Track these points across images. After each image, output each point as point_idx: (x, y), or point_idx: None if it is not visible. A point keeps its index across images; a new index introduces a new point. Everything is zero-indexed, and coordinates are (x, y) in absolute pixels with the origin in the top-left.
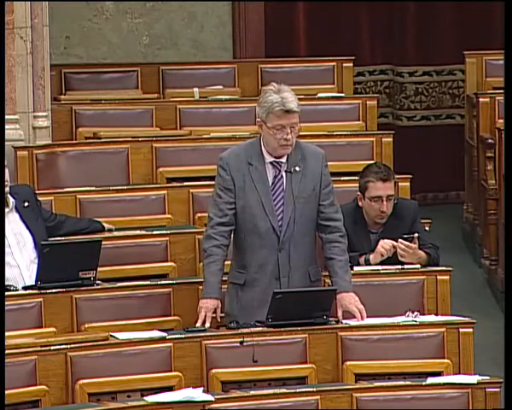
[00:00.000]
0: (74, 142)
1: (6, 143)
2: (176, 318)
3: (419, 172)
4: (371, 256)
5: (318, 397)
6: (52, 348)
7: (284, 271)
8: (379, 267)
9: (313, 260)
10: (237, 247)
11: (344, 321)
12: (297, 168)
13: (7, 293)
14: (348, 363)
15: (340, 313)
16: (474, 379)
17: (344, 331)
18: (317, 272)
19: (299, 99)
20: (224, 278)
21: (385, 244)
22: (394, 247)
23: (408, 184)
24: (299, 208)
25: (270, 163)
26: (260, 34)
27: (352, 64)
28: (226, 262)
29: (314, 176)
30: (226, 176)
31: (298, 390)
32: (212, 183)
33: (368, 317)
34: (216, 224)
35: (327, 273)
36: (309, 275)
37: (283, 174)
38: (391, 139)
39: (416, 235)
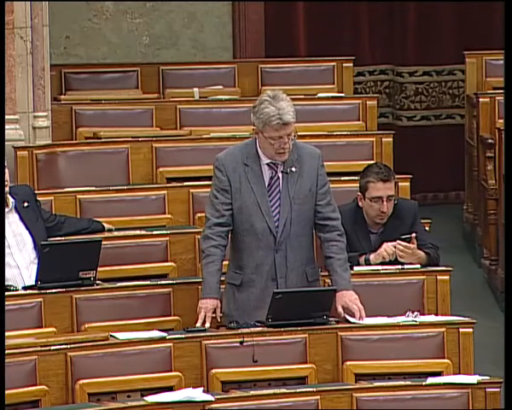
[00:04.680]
0: (74, 142)
1: (6, 143)
2: (176, 318)
3: (419, 172)
4: (371, 256)
5: (318, 397)
6: (52, 348)
7: (281, 271)
8: (379, 267)
9: (311, 261)
10: (234, 247)
11: (346, 317)
12: (293, 169)
13: (7, 293)
14: (348, 363)
15: (340, 310)
16: (474, 379)
17: (344, 331)
18: (315, 272)
19: (299, 99)
20: (222, 279)
21: (388, 248)
22: None
23: (408, 184)
24: (295, 209)
25: (267, 164)
26: (260, 34)
27: (352, 64)
28: (224, 262)
29: (310, 176)
30: (222, 177)
31: (298, 390)
32: None
33: (368, 317)
34: (213, 224)
35: (326, 273)
36: (306, 275)
37: (280, 175)
38: (391, 139)
39: (414, 235)
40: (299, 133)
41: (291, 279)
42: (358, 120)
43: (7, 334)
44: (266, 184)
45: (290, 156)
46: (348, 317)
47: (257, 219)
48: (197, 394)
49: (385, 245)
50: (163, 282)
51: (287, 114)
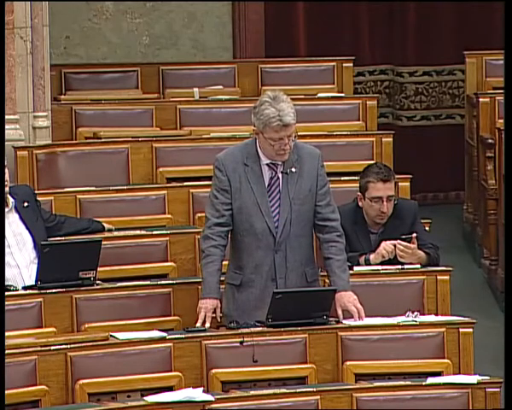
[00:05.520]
0: (74, 142)
1: (6, 143)
2: (176, 318)
3: (419, 172)
4: (371, 256)
5: (318, 397)
6: (52, 348)
7: (281, 272)
8: (379, 267)
9: (310, 261)
10: (234, 247)
11: (344, 321)
12: (293, 169)
13: (7, 293)
14: (348, 363)
15: (339, 312)
16: (474, 379)
17: (344, 331)
18: (315, 272)
19: (299, 99)
20: (222, 279)
21: (387, 246)
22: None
23: (408, 184)
24: (295, 210)
25: (267, 164)
26: (260, 34)
27: (352, 64)
28: (224, 262)
29: (310, 177)
30: (222, 177)
31: (298, 390)
32: None
33: (368, 317)
34: (213, 224)
35: (325, 273)
36: (305, 276)
37: (280, 175)
38: (391, 139)
39: (415, 235)
40: (299, 133)
41: (290, 280)
42: (358, 120)
43: (7, 334)
44: (266, 185)
45: (290, 157)
46: (346, 321)
47: (256, 220)
48: (197, 394)
49: (384, 243)
50: (163, 282)
51: (287, 115)
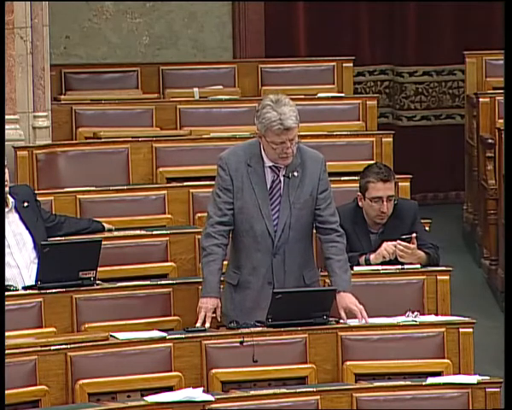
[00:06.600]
0: (74, 142)
1: (6, 143)
2: (176, 318)
3: (419, 172)
4: (372, 256)
5: (318, 397)
6: (52, 348)
7: (278, 275)
8: (379, 267)
9: (309, 264)
10: (234, 247)
11: (343, 321)
12: (295, 173)
13: (7, 293)
14: (348, 363)
15: (343, 314)
16: (474, 379)
17: (344, 331)
18: (314, 273)
19: (299, 99)
20: (222, 278)
21: (388, 247)
22: None
23: (408, 184)
24: (295, 214)
25: (269, 167)
26: (260, 34)
27: (351, 64)
28: (224, 262)
29: (312, 181)
30: (225, 176)
31: (298, 390)
32: (212, 183)
33: (368, 317)
34: (215, 223)
35: (326, 274)
36: (303, 278)
37: (281, 179)
38: (391, 139)
39: (414, 235)
40: (299, 133)
41: (288, 283)
42: (358, 120)
43: (7, 334)
44: (268, 187)
45: (293, 160)
46: (349, 321)
47: (256, 221)
48: (197, 394)
49: (385, 244)
50: (163, 282)
51: (288, 119)
